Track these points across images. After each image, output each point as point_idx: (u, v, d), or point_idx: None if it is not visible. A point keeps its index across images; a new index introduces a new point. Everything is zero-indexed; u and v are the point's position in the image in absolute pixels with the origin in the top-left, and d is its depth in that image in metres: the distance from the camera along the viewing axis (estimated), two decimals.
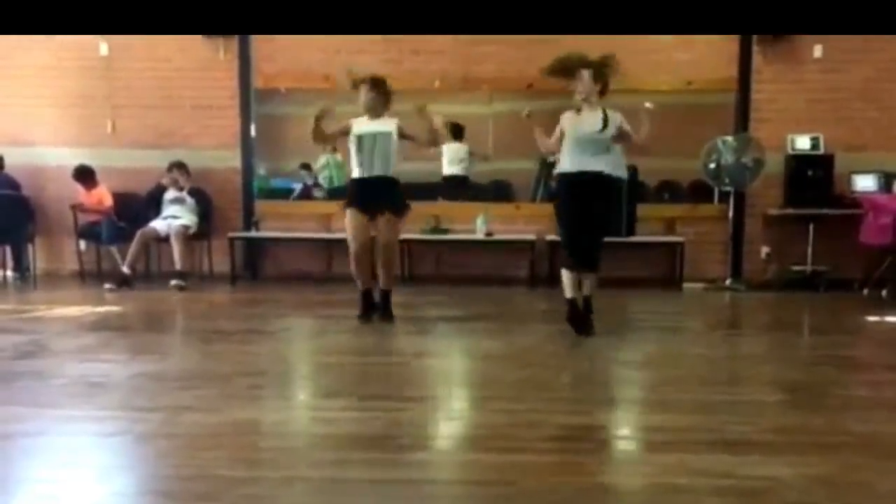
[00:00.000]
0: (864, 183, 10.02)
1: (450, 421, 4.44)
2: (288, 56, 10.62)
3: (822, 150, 10.03)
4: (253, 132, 10.74)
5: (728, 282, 10.09)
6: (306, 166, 11.15)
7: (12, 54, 10.62)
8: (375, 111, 7.07)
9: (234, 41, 10.58)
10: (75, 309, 8.00)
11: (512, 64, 10.39)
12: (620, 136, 6.50)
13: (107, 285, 9.31)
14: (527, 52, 10.31)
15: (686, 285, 9.97)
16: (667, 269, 10.34)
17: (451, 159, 10.94)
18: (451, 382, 5.47)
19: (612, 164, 6.40)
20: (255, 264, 10.84)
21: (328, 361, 5.94)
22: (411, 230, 10.34)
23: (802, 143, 10.08)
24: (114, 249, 10.12)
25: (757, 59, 10.29)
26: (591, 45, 10.27)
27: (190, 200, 10.16)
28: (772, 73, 10.28)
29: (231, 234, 10.43)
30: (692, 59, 10.24)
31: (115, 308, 8.22)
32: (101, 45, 10.63)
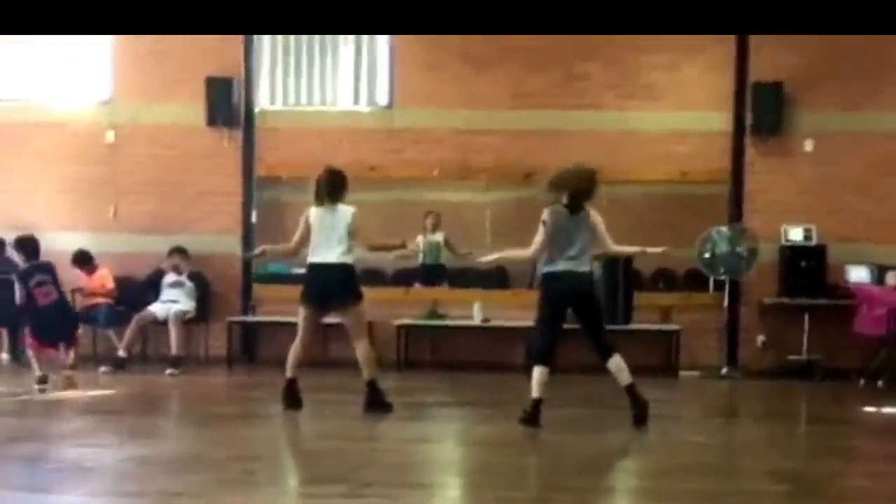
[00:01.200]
0: (858, 274, 10.00)
1: None
2: (290, 145, 10.70)
3: (814, 241, 10.04)
4: (254, 218, 10.77)
5: (724, 370, 10.00)
6: None
7: (19, 140, 10.70)
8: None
9: (239, 130, 10.68)
10: (69, 392, 7.90)
11: (510, 153, 10.46)
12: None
13: (102, 368, 9.22)
14: (525, 142, 10.41)
15: (682, 373, 9.87)
16: (662, 356, 10.24)
17: (424, 249, 10.81)
18: (448, 469, 5.37)
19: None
20: (252, 348, 10.77)
21: (324, 447, 5.84)
22: (408, 316, 10.30)
23: (795, 234, 10.10)
24: (111, 332, 10.05)
25: (750, 151, 10.36)
26: (587, 135, 10.40)
27: (189, 285, 10.14)
28: (764, 165, 10.35)
29: (230, 318, 10.38)
30: (687, 151, 10.32)
31: (109, 391, 8.13)
32: (108, 132, 10.73)
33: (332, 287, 6.83)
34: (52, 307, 7.98)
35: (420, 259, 10.74)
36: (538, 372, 6.29)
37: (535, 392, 6.27)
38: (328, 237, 6.80)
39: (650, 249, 6.63)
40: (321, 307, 6.95)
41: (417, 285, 10.83)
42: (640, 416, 6.32)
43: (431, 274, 10.86)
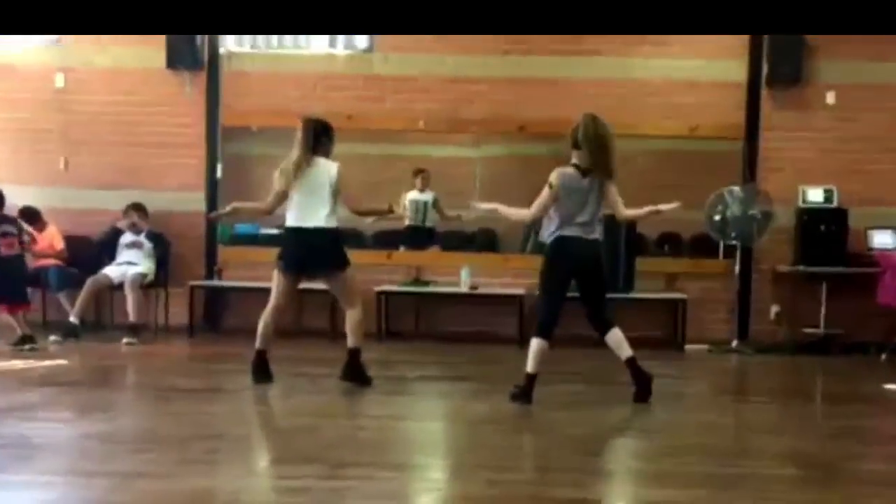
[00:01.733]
0: (882, 239, 10.05)
1: (431, 492, 4.38)
2: (259, 92, 10.64)
3: (835, 204, 10.06)
4: (219, 173, 10.72)
5: (734, 344, 10.06)
6: None
7: None
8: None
9: (202, 75, 10.60)
10: (18, 363, 7.90)
11: (503, 104, 10.43)
12: None
13: (52, 337, 9.20)
14: (519, 92, 10.38)
15: (688, 347, 9.93)
16: (667, 328, 10.30)
17: (412, 209, 10.83)
18: (433, 449, 5.41)
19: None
20: (217, 316, 10.76)
21: (296, 424, 5.86)
22: (389, 282, 10.32)
23: (815, 195, 10.13)
24: (62, 297, 10.02)
25: (766, 105, 10.36)
26: (586, 85, 10.38)
27: (148, 245, 10.10)
28: (781, 120, 10.35)
29: (192, 283, 10.36)
30: (697, 103, 10.30)
31: (61, 362, 8.11)
32: (58, 75, 10.63)
33: (317, 254, 6.80)
34: (13, 259, 8.65)
35: (406, 221, 10.75)
36: (536, 345, 6.32)
37: (530, 366, 6.30)
38: (310, 197, 6.75)
39: (663, 207, 6.61)
40: (301, 274, 6.94)
41: (403, 248, 10.84)
42: (643, 393, 6.38)
43: (419, 236, 10.87)
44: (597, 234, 6.45)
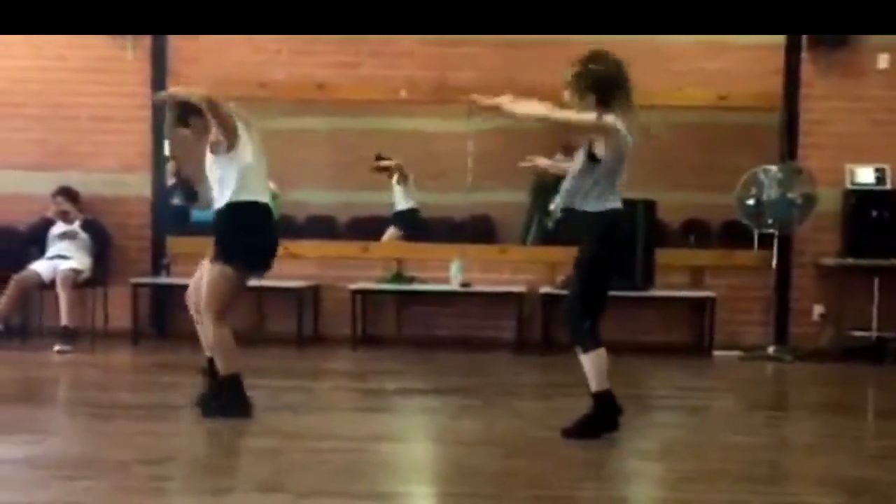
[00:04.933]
0: None
1: None
2: (214, 57, 10.57)
3: (889, 185, 10.09)
4: (167, 151, 10.70)
5: (771, 350, 10.08)
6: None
7: None
8: None
9: (146, 38, 10.55)
10: None
11: (496, 70, 10.40)
12: None
13: None
14: (513, 56, 10.36)
15: (717, 353, 9.95)
16: (693, 331, 10.32)
17: (397, 195, 10.96)
18: (416, 475, 5.41)
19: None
20: (165, 318, 10.75)
21: (257, 446, 5.86)
22: (366, 278, 10.31)
23: (865, 175, 10.14)
24: None
25: (807, 69, 10.37)
26: (599, 47, 10.37)
27: (83, 236, 10.07)
28: (826, 87, 10.36)
29: (136, 280, 10.35)
30: (725, 69, 10.31)
31: None
32: None
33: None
34: None
35: (401, 204, 10.94)
36: (598, 359, 5.95)
37: (600, 383, 5.96)
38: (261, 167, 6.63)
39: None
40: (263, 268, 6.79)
41: (392, 230, 10.86)
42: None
43: (409, 222, 10.96)
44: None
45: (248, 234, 6.46)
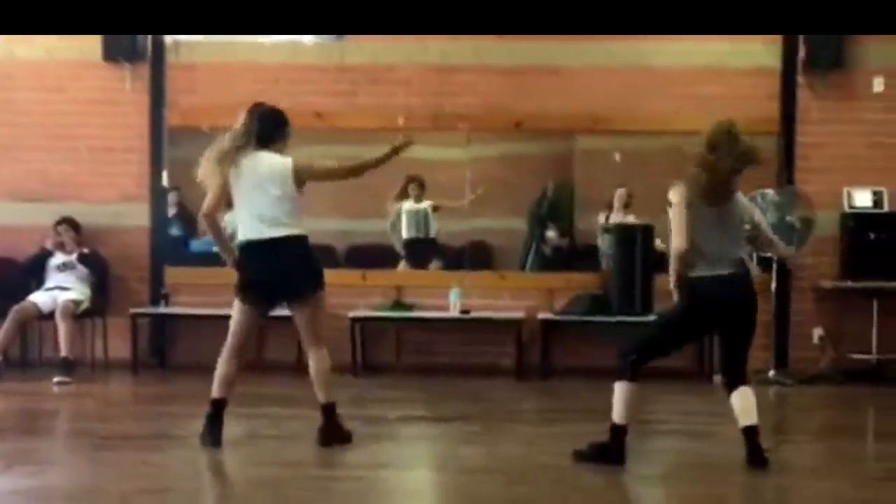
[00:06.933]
0: None
1: None
2: (212, 87, 10.62)
3: (886, 208, 10.11)
4: (165, 181, 10.72)
5: (771, 374, 10.07)
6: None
7: None
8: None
9: (145, 68, 10.59)
10: None
11: (493, 97, 10.45)
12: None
13: None
14: (514, 83, 10.40)
15: (717, 378, 9.91)
16: (693, 357, 10.29)
17: (410, 220, 10.95)
18: (418, 503, 5.39)
19: None
20: (164, 348, 10.73)
21: (257, 476, 5.84)
22: (365, 306, 10.30)
23: (863, 198, 10.16)
24: None
25: (803, 94, 10.40)
26: (593, 73, 10.43)
27: (81, 268, 10.08)
28: (822, 111, 10.38)
29: (135, 311, 10.34)
30: (722, 94, 10.31)
31: None
32: None
33: (282, 272, 6.46)
34: None
35: (405, 232, 10.92)
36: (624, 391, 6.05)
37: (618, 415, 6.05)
38: (261, 200, 6.47)
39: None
40: (267, 303, 6.66)
41: (403, 265, 10.88)
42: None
43: (421, 249, 11.01)
44: None
45: (241, 271, 6.54)
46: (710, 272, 5.99)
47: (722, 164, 5.97)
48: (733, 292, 6.02)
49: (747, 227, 6.24)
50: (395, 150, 6.87)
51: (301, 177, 6.44)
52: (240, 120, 6.54)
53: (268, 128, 6.56)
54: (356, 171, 6.90)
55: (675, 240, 6.02)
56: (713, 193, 5.98)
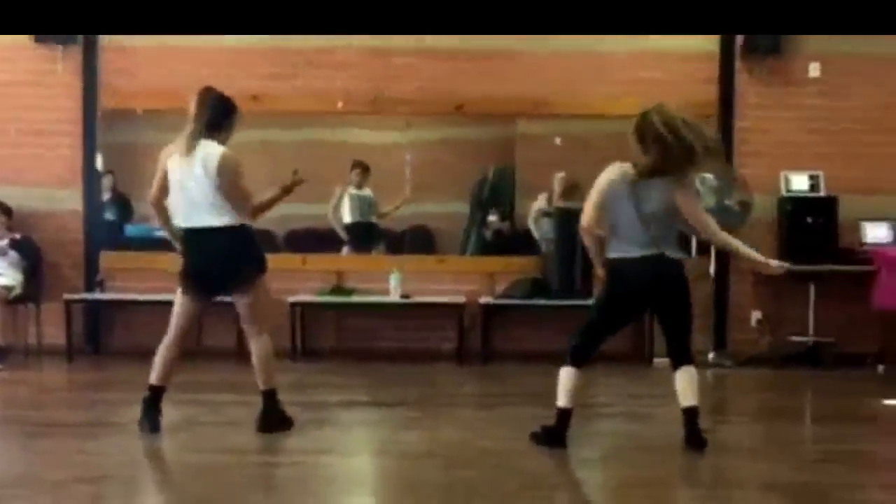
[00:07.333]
0: (876, 233, 10.20)
1: None
2: (147, 69, 10.51)
3: (823, 192, 10.21)
4: (99, 165, 10.59)
5: (710, 356, 10.16)
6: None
7: None
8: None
9: (77, 49, 10.46)
10: None
11: (436, 81, 10.43)
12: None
13: None
14: (452, 68, 10.38)
15: (657, 360, 9.98)
16: (632, 340, 10.35)
17: (353, 205, 10.91)
18: (361, 488, 5.38)
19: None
20: (99, 335, 10.64)
21: (197, 463, 5.79)
22: (305, 291, 10.27)
23: (799, 182, 10.26)
24: None
25: (741, 78, 10.49)
26: (535, 58, 10.44)
27: (12, 253, 9.96)
28: (760, 96, 10.47)
29: (69, 296, 10.23)
30: (661, 79, 10.35)
31: None
32: None
33: (220, 260, 6.42)
34: None
35: (347, 217, 10.92)
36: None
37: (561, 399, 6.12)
38: (197, 189, 6.48)
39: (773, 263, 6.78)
40: (207, 292, 6.58)
41: (346, 250, 10.85)
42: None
43: (364, 234, 10.99)
44: None
45: (184, 258, 6.55)
46: (629, 254, 6.03)
47: (684, 148, 5.98)
48: (654, 272, 6.05)
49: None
50: (287, 190, 6.75)
51: (222, 177, 6.34)
52: (192, 107, 6.45)
53: (217, 116, 6.51)
54: (256, 214, 6.69)
55: (583, 217, 6.07)
56: (659, 171, 6.02)
